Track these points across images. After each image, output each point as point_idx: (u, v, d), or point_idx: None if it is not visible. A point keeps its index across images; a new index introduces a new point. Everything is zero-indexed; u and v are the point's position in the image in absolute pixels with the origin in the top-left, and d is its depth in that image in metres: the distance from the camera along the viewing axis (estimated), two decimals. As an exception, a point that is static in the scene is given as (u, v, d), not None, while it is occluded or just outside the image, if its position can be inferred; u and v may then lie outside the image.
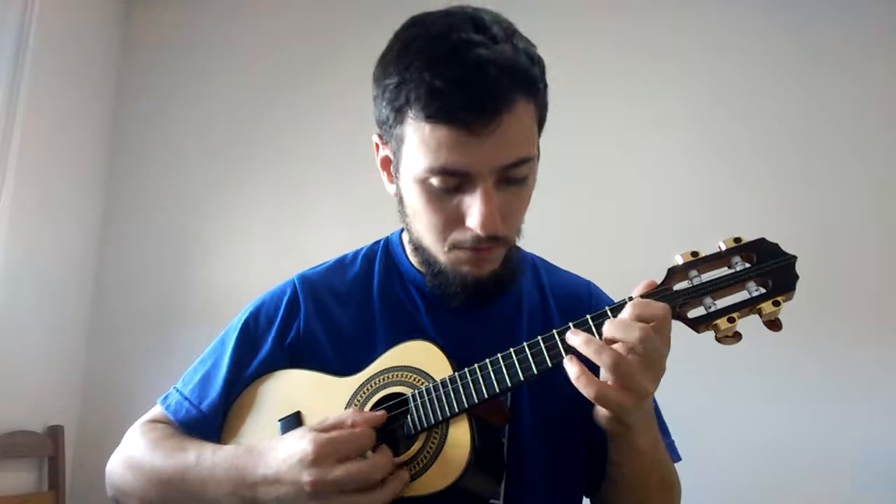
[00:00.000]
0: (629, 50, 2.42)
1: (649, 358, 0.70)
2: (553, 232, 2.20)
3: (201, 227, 2.69)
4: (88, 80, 2.74)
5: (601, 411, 0.75)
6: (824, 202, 2.16)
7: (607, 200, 2.34)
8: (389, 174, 0.89)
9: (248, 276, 2.52)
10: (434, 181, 0.79)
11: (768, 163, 2.23)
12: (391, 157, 0.86)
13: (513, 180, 0.80)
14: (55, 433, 2.44)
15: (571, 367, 0.72)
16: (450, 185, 0.79)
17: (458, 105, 0.74)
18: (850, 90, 2.21)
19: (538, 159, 0.86)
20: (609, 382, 0.71)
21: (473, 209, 0.78)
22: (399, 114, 0.79)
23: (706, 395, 2.08)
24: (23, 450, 2.34)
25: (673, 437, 0.97)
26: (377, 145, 0.90)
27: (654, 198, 2.29)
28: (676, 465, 0.92)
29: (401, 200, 0.87)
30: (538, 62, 0.81)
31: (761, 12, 2.33)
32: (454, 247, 0.83)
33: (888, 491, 1.92)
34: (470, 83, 0.74)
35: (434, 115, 0.75)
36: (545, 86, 0.82)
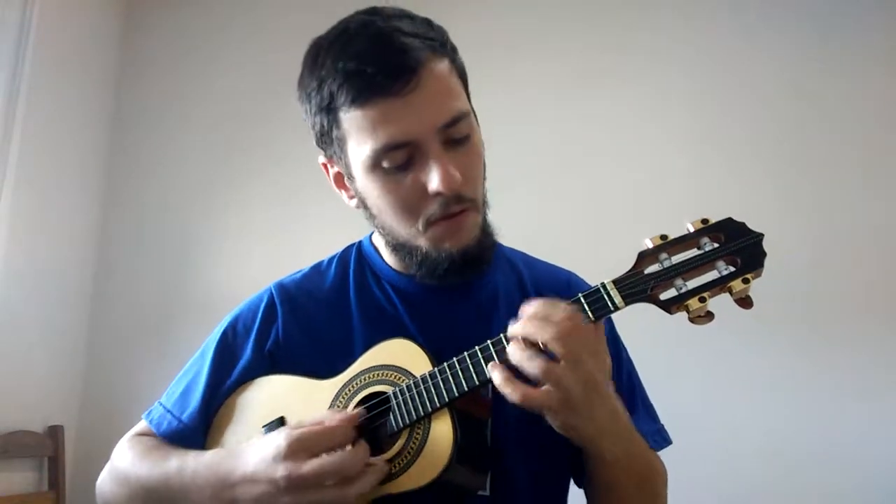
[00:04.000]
0: (623, 49, 2.42)
1: (570, 357, 0.70)
2: (552, 231, 2.21)
3: (201, 227, 2.70)
4: (88, 80, 2.75)
5: (549, 418, 0.75)
6: (821, 200, 2.16)
7: (606, 201, 2.34)
8: (346, 188, 0.90)
9: (247, 276, 2.51)
10: (384, 163, 0.80)
11: (764, 160, 2.23)
12: (340, 168, 0.88)
13: (457, 140, 0.81)
14: (55, 433, 2.45)
15: (496, 374, 0.73)
16: (399, 161, 0.80)
17: (376, 75, 0.76)
18: (844, 86, 2.20)
19: (477, 122, 0.87)
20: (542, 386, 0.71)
21: (431, 174, 0.79)
22: (330, 114, 0.81)
23: (704, 395, 2.08)
24: (23, 450, 2.35)
25: (673, 438, 0.96)
26: (325, 166, 0.92)
27: (649, 195, 2.29)
28: (676, 460, 0.92)
29: (364, 205, 0.88)
30: (437, 28, 0.84)
31: (758, 13, 2.33)
32: (428, 223, 0.83)
33: (887, 490, 1.92)
34: (378, 52, 0.77)
35: (358, 95, 0.77)
36: (453, 48, 0.84)
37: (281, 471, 0.73)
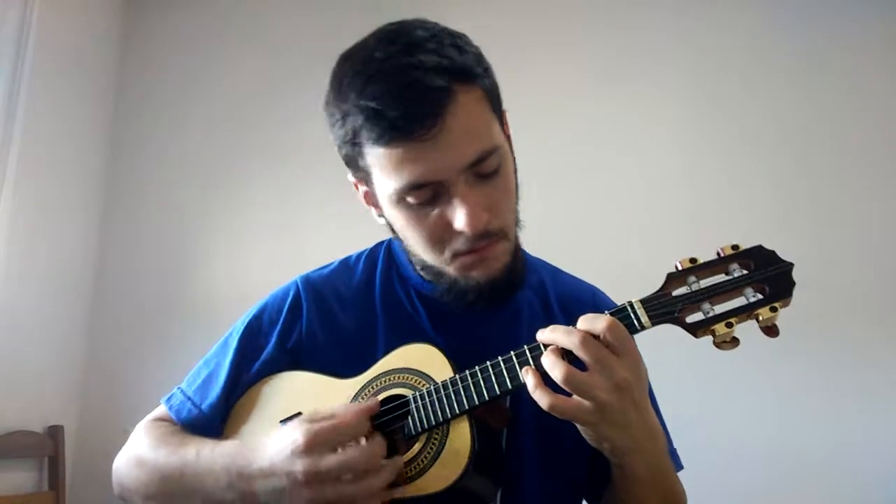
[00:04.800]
0: (628, 54, 2.42)
1: (598, 365, 0.70)
2: (552, 233, 2.20)
3: (201, 227, 2.70)
4: (88, 80, 2.74)
5: (582, 430, 0.75)
6: (822, 200, 2.16)
7: (606, 202, 2.34)
8: (376, 207, 0.89)
9: (248, 276, 2.52)
10: (409, 199, 0.79)
11: (766, 165, 2.23)
12: (369, 190, 0.87)
13: (485, 174, 0.79)
14: (55, 433, 2.44)
15: (529, 378, 0.73)
16: (425, 198, 0.79)
17: (398, 119, 0.74)
18: (846, 93, 2.21)
19: (511, 144, 0.86)
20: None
21: (456, 213, 0.78)
22: (355, 147, 0.80)
23: (707, 398, 2.08)
24: (23, 450, 2.34)
25: (676, 441, 0.96)
26: (356, 185, 0.91)
27: (653, 201, 2.29)
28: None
29: (391, 228, 0.88)
30: (469, 51, 0.80)
31: (758, 15, 2.33)
32: (455, 255, 0.82)
33: (889, 492, 1.92)
34: (401, 94, 0.75)
35: (380, 137, 0.76)
36: (485, 70, 0.81)
37: (299, 465, 0.74)
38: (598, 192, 2.35)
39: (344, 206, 2.50)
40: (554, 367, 0.71)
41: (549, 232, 2.19)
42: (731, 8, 2.36)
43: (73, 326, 2.64)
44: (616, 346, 0.71)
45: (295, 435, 0.76)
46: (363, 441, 0.76)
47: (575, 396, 0.70)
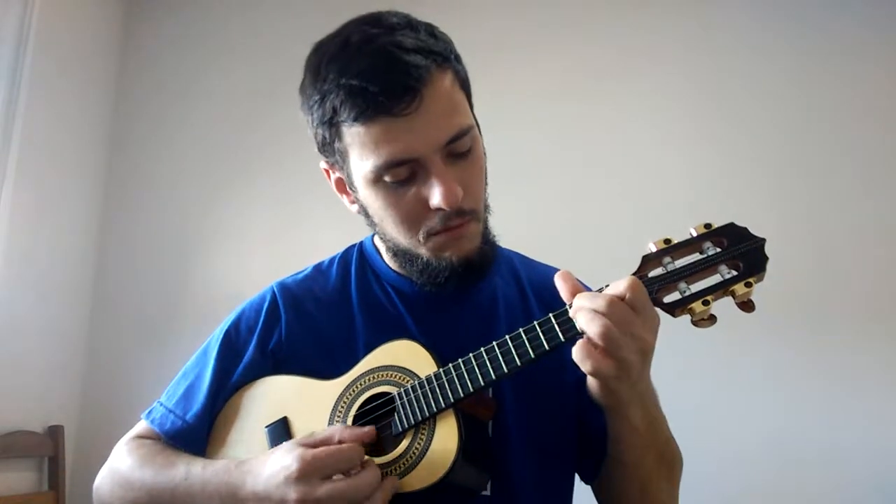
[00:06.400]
0: (622, 51, 2.42)
1: (627, 327, 0.70)
2: (544, 227, 2.21)
3: (201, 227, 2.70)
4: (88, 80, 2.75)
5: (592, 383, 0.75)
6: (820, 200, 2.16)
7: (603, 201, 2.34)
8: (347, 194, 0.91)
9: (248, 276, 2.52)
10: (387, 178, 0.81)
11: (763, 162, 2.23)
12: (342, 175, 0.88)
13: (459, 154, 0.82)
14: (55, 433, 2.45)
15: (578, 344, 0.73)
16: (402, 176, 0.80)
17: (378, 95, 0.76)
18: (844, 88, 2.20)
19: (479, 130, 0.87)
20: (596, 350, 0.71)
21: (432, 190, 0.79)
22: (332, 127, 0.82)
23: (705, 393, 2.08)
24: (23, 450, 2.35)
25: (673, 434, 0.96)
26: (327, 172, 0.92)
27: (648, 197, 2.29)
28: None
29: (365, 213, 0.89)
30: (441, 37, 0.83)
31: (755, 12, 2.33)
32: (429, 234, 0.84)
33: (886, 490, 1.92)
34: (381, 71, 0.76)
35: (361, 114, 0.78)
36: (456, 57, 0.84)
37: (293, 493, 0.73)
38: (595, 191, 2.35)
39: (342, 207, 2.51)
40: (591, 322, 0.70)
41: (545, 228, 2.20)
42: (731, 7, 2.36)
43: (73, 326, 2.64)
44: (638, 307, 0.72)
45: (288, 461, 0.75)
46: (358, 468, 0.75)
47: (601, 351, 0.71)
